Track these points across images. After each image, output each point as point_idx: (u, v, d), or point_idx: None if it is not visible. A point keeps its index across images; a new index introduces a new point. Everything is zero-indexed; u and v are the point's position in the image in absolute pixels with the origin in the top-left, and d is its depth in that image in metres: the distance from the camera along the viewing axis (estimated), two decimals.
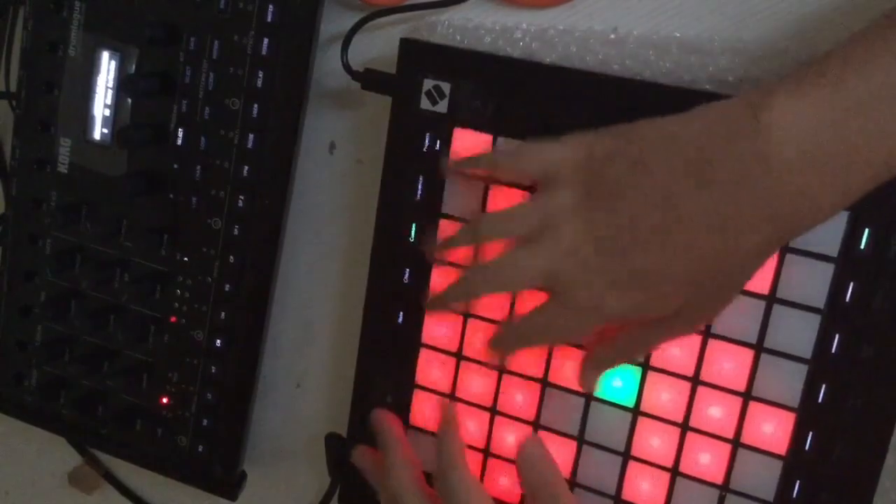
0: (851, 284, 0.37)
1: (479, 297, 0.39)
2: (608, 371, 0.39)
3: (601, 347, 0.38)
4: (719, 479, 0.40)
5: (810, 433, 0.38)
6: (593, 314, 0.35)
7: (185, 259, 0.47)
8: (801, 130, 0.30)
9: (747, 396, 0.39)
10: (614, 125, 0.35)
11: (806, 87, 0.30)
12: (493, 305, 0.43)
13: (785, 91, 0.30)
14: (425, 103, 0.42)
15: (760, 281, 0.38)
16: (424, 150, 0.42)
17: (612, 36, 0.41)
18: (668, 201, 0.32)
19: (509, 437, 0.44)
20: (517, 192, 0.41)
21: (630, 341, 0.37)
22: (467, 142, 0.42)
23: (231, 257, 0.46)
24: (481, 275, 0.38)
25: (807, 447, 0.38)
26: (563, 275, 0.34)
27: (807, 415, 0.38)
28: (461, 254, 0.40)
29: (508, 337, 0.39)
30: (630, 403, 0.41)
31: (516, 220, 0.36)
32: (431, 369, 0.45)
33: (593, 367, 0.39)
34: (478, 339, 0.43)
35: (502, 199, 0.41)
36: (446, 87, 0.41)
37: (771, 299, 0.38)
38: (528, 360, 0.42)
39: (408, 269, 0.44)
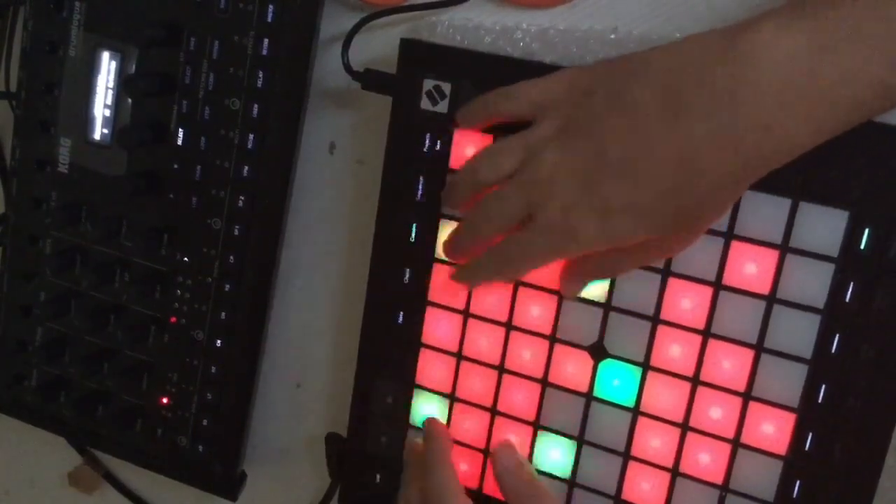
0: (851, 284, 0.37)
1: (480, 238, 0.39)
2: (587, 284, 0.40)
3: (581, 261, 0.38)
4: (719, 480, 0.40)
5: (810, 433, 0.38)
6: (567, 238, 0.35)
7: (185, 259, 0.47)
8: (774, 64, 0.30)
9: (747, 396, 0.39)
10: (601, 60, 0.36)
11: (786, 22, 0.30)
12: (493, 305, 0.43)
13: (766, 25, 0.30)
14: (425, 103, 0.42)
15: (760, 281, 0.38)
16: (424, 150, 0.42)
17: (612, 36, 0.41)
18: (638, 130, 0.32)
19: (510, 437, 0.44)
20: None
21: (606, 261, 0.38)
22: (467, 142, 0.42)
23: (231, 257, 0.46)
24: (474, 215, 0.39)
25: (807, 447, 0.38)
26: (539, 200, 0.35)
27: (807, 415, 0.38)
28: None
29: (479, 263, 0.40)
30: (630, 403, 0.41)
31: (504, 154, 0.37)
32: (431, 369, 0.45)
33: (574, 277, 0.39)
34: (478, 338, 0.43)
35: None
36: (446, 87, 0.41)
37: (771, 299, 0.38)
38: (528, 357, 0.43)
39: (408, 269, 0.44)
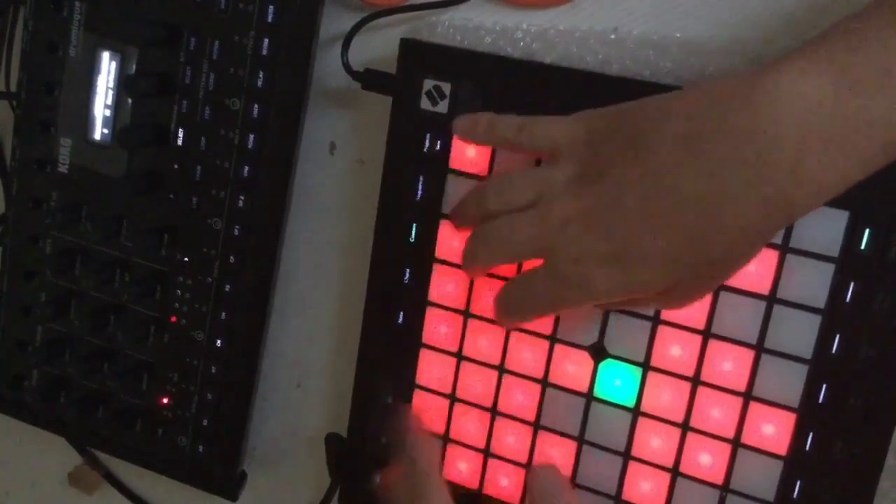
0: (851, 284, 0.37)
1: (480, 262, 0.39)
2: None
3: None
4: (719, 480, 0.40)
5: (810, 433, 0.38)
6: (581, 290, 0.34)
7: (185, 259, 0.47)
8: (797, 109, 0.29)
9: (747, 396, 0.39)
10: (622, 103, 0.35)
11: (808, 65, 0.29)
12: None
13: (789, 66, 0.29)
14: (425, 103, 0.42)
15: (760, 281, 0.38)
16: (424, 150, 0.42)
17: (612, 36, 0.41)
18: (657, 177, 0.31)
19: (509, 437, 0.44)
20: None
21: (615, 305, 0.37)
22: (467, 143, 0.41)
23: (231, 257, 0.46)
24: (477, 241, 0.38)
25: (807, 447, 0.38)
26: (551, 248, 0.35)
27: (807, 415, 0.38)
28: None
29: (499, 307, 0.39)
30: (630, 403, 0.41)
31: (516, 189, 0.37)
32: (431, 369, 0.45)
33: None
34: (478, 338, 0.43)
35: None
36: (446, 87, 0.41)
37: (771, 299, 0.38)
38: (528, 357, 0.43)
39: (408, 269, 0.44)
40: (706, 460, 0.40)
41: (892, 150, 0.29)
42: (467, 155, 0.42)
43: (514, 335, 0.42)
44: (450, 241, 0.43)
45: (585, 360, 0.41)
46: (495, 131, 0.39)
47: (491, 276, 0.42)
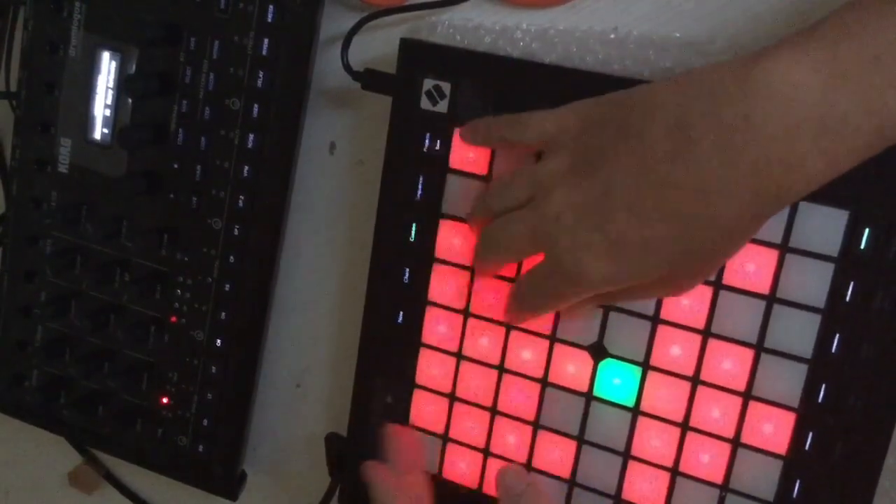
0: (851, 284, 0.37)
1: (488, 263, 0.40)
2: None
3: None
4: (719, 479, 0.40)
5: (810, 433, 0.38)
6: (580, 280, 0.34)
7: (185, 259, 0.47)
8: (788, 95, 0.29)
9: (747, 396, 0.39)
10: (613, 92, 0.35)
11: (800, 53, 0.29)
12: (494, 305, 0.43)
13: (780, 55, 0.29)
14: (425, 103, 0.42)
15: (760, 280, 0.38)
16: (424, 150, 0.42)
17: (612, 36, 0.41)
18: (648, 166, 0.32)
19: (509, 437, 0.44)
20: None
21: (612, 297, 0.37)
22: (467, 143, 0.42)
23: (231, 257, 0.46)
24: (482, 243, 0.40)
25: (807, 447, 0.38)
26: (549, 241, 0.35)
27: (807, 415, 0.38)
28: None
29: (512, 303, 0.40)
30: (630, 403, 0.41)
31: (513, 187, 0.37)
32: (431, 369, 0.45)
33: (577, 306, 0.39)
34: (478, 338, 0.43)
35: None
36: (446, 87, 0.41)
37: (771, 299, 0.38)
38: (528, 357, 0.43)
39: (408, 269, 0.44)
40: (706, 460, 0.40)
41: (881, 138, 0.29)
42: (467, 155, 0.42)
43: (514, 334, 0.43)
44: (450, 240, 0.43)
45: (585, 359, 0.41)
46: (492, 132, 0.40)
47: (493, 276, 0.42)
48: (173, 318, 0.48)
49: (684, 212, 0.31)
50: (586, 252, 0.33)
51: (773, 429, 0.39)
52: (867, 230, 0.36)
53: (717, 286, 0.38)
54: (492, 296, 0.43)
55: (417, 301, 0.44)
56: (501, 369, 0.43)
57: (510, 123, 0.39)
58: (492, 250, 0.39)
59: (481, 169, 0.42)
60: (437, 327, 0.44)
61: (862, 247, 0.36)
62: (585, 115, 0.35)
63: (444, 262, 0.43)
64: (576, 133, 0.35)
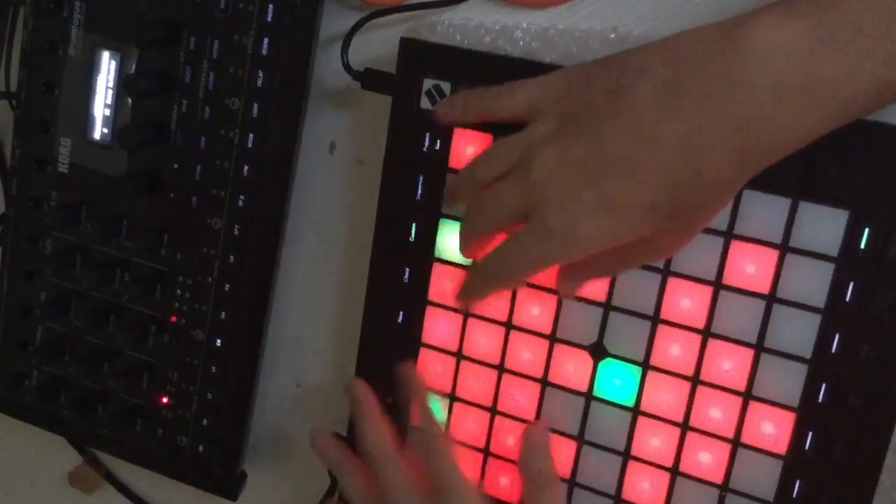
0: (851, 284, 0.37)
1: (478, 235, 0.39)
2: (584, 283, 0.40)
3: (578, 262, 0.38)
4: (719, 479, 0.40)
5: (810, 433, 0.38)
6: (567, 240, 0.34)
7: (185, 259, 0.47)
8: (771, 58, 0.30)
9: (747, 396, 0.39)
10: (598, 57, 0.36)
11: (784, 18, 0.30)
12: (493, 305, 0.43)
13: (767, 19, 0.30)
14: (425, 103, 0.42)
15: (760, 280, 0.38)
16: (424, 150, 0.42)
17: (612, 36, 0.41)
18: (636, 126, 0.32)
19: (509, 437, 0.44)
20: None
21: (603, 261, 0.37)
22: (467, 142, 0.42)
23: (231, 257, 0.46)
24: (472, 213, 0.39)
25: (807, 447, 0.38)
26: (536, 199, 0.35)
27: (807, 415, 0.38)
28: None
29: (479, 276, 0.39)
30: (630, 403, 0.41)
31: (501, 154, 0.37)
32: (431, 369, 0.45)
33: (571, 276, 0.39)
34: (478, 338, 0.43)
35: None
36: (446, 86, 0.41)
37: (771, 299, 0.38)
38: (527, 357, 0.43)
39: (408, 269, 0.44)
40: (706, 460, 0.40)
41: (854, 105, 0.30)
42: (467, 154, 0.42)
43: (514, 334, 0.43)
44: (450, 240, 0.43)
45: (585, 359, 0.41)
46: (473, 103, 0.39)
47: None
48: (173, 318, 0.48)
49: (671, 168, 0.32)
50: (576, 210, 0.34)
51: (773, 429, 0.39)
52: (867, 230, 0.36)
53: (717, 286, 0.38)
54: (492, 295, 0.43)
55: (417, 301, 0.44)
56: (501, 369, 0.43)
57: (492, 94, 0.39)
58: (481, 219, 0.38)
59: None
60: (437, 327, 0.44)
61: (862, 247, 0.36)
62: (570, 79, 0.36)
63: (444, 261, 0.43)
64: (562, 96, 0.36)
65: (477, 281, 0.40)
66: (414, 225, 0.43)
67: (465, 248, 0.40)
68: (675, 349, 0.40)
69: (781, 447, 0.39)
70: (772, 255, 0.38)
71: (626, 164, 0.33)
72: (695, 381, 0.40)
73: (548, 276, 0.41)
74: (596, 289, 0.41)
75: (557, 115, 0.36)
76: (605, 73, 0.34)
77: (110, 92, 0.47)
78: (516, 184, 0.36)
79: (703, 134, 0.31)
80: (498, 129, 0.40)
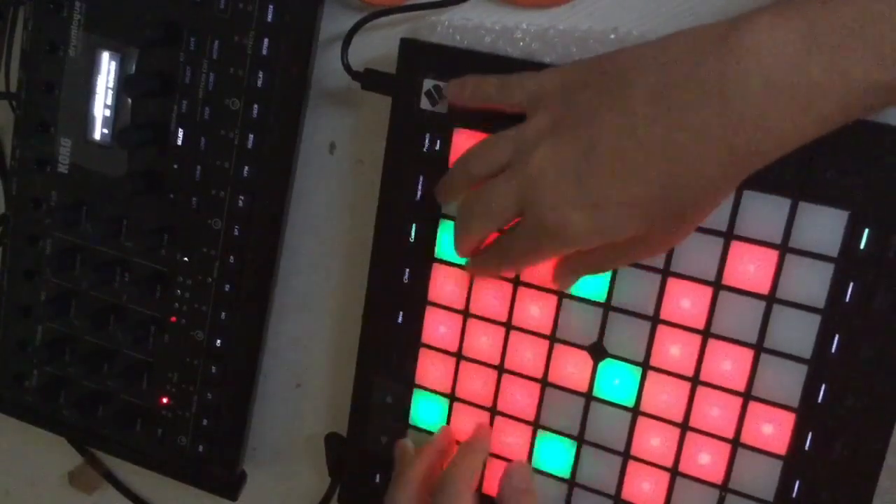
0: (851, 284, 0.37)
1: (471, 230, 0.39)
2: (580, 278, 0.40)
3: (573, 255, 0.38)
4: (719, 479, 0.40)
5: (810, 433, 0.38)
6: (559, 236, 0.35)
7: (185, 259, 0.47)
8: (765, 60, 0.30)
9: (747, 396, 0.39)
10: (596, 55, 0.36)
11: (778, 20, 0.30)
12: (493, 305, 0.43)
13: (761, 20, 0.30)
14: (425, 103, 0.42)
15: (760, 281, 0.38)
16: (424, 150, 0.42)
17: (612, 36, 0.41)
18: (629, 125, 0.32)
19: (509, 437, 0.44)
20: None
21: (597, 257, 0.37)
22: (467, 142, 0.42)
23: (231, 257, 0.46)
24: (467, 208, 0.39)
25: (807, 447, 0.38)
26: (530, 197, 0.35)
27: (807, 415, 0.38)
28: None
29: (483, 258, 0.40)
30: (630, 403, 0.41)
31: (497, 149, 0.37)
32: (431, 369, 0.45)
33: (565, 272, 0.40)
34: (478, 338, 0.43)
35: None
36: (446, 87, 0.41)
37: (771, 299, 0.38)
38: (527, 357, 0.43)
39: (408, 269, 0.44)
40: (705, 460, 0.40)
41: (843, 109, 0.30)
42: None
43: (514, 334, 0.43)
44: (450, 240, 0.43)
45: (585, 359, 0.41)
46: (480, 91, 0.40)
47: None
48: (173, 318, 0.48)
49: (662, 169, 0.32)
50: (568, 207, 0.34)
51: (772, 429, 0.39)
52: (867, 230, 0.36)
53: (717, 286, 0.39)
54: (492, 296, 0.43)
55: (417, 301, 0.44)
56: (501, 369, 0.43)
57: (498, 84, 0.39)
58: (476, 215, 0.38)
59: None
60: (437, 327, 0.44)
61: (862, 247, 0.36)
62: (568, 76, 0.36)
63: (444, 262, 0.43)
64: (558, 93, 0.36)
65: (478, 263, 0.41)
66: (414, 225, 0.43)
67: (459, 247, 0.40)
68: (674, 349, 0.40)
69: (781, 447, 0.39)
70: (772, 256, 0.38)
71: (617, 164, 0.33)
72: (695, 381, 0.40)
73: (548, 278, 0.41)
74: (596, 289, 0.41)
75: (553, 112, 0.36)
76: (600, 72, 0.35)
77: (110, 92, 0.47)
78: (510, 180, 0.36)
79: (694, 135, 0.31)
80: (495, 127, 0.40)
